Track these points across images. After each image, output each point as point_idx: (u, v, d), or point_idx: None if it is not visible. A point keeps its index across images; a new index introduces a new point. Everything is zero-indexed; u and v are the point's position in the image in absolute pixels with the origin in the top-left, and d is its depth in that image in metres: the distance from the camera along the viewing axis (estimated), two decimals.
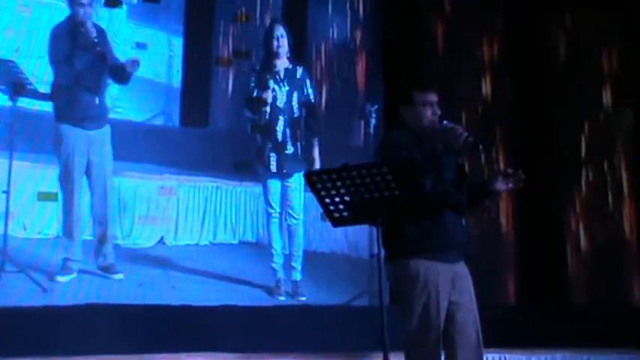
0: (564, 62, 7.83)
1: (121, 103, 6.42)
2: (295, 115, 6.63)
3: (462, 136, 3.84)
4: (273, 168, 6.49)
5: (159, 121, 6.61)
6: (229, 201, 6.67)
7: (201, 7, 6.79)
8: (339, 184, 3.62)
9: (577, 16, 7.91)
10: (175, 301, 6.08)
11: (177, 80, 6.68)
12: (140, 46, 6.50)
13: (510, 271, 7.36)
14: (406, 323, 3.92)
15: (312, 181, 3.65)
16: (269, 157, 6.51)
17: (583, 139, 7.79)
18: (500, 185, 4.02)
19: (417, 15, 7.31)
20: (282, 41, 6.58)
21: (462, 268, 4.03)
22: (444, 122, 3.96)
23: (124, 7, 6.38)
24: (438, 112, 4.03)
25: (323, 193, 3.67)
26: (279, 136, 6.55)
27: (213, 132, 6.78)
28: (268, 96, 6.53)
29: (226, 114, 6.84)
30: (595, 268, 7.62)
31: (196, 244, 6.52)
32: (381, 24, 7.19)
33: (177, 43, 6.70)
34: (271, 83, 6.55)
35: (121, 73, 6.10)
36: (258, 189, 6.65)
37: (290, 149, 6.56)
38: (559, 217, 7.61)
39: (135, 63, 6.04)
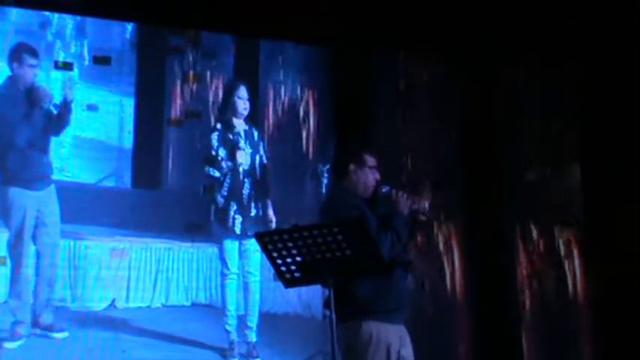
0: (510, 117, 7.97)
1: (70, 164, 6.39)
2: (258, 178, 6.68)
3: (409, 202, 3.99)
4: (238, 230, 6.50)
5: (110, 183, 6.57)
6: (181, 262, 6.61)
7: (153, 68, 6.82)
8: (290, 244, 3.62)
9: (524, 74, 8.08)
10: None
11: (128, 141, 6.66)
12: (91, 107, 6.48)
13: (464, 337, 7.37)
14: None
15: (264, 241, 3.65)
16: (234, 218, 6.51)
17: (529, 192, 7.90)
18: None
19: (368, 73, 7.40)
20: (246, 103, 6.66)
21: (404, 330, 4.06)
22: (384, 188, 4.05)
23: (75, 70, 6.41)
24: (378, 177, 4.10)
25: (274, 253, 3.67)
26: (245, 199, 6.58)
27: (165, 193, 6.75)
28: (238, 156, 6.58)
29: (178, 175, 6.82)
30: (547, 333, 7.66)
31: (148, 307, 6.44)
32: (332, 83, 7.27)
33: (129, 104, 6.70)
34: (239, 143, 6.61)
35: (58, 120, 6.08)
36: (210, 250, 6.62)
37: (254, 211, 6.59)
38: (510, 281, 7.66)
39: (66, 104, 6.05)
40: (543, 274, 7.76)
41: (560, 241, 7.89)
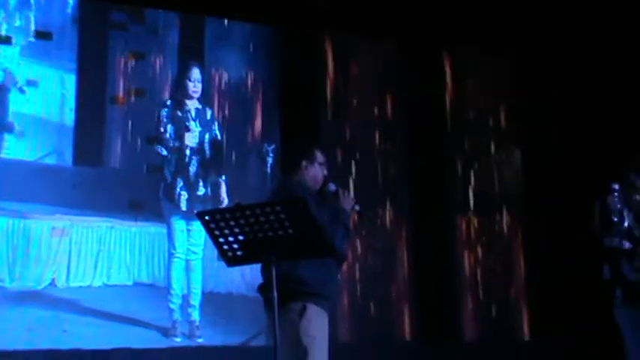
0: (453, 108, 8.05)
1: (9, 141, 6.27)
2: (207, 156, 6.64)
3: (353, 201, 4.09)
4: (184, 207, 6.46)
5: (51, 160, 6.46)
6: (124, 241, 6.54)
7: (95, 45, 6.70)
8: (232, 223, 3.60)
9: (465, 65, 8.16)
10: (66, 345, 5.93)
11: (70, 118, 6.55)
12: (31, 83, 6.37)
13: (405, 309, 7.44)
14: None
15: (206, 220, 3.62)
16: (180, 195, 6.48)
17: (472, 182, 8.00)
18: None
19: (312, 55, 7.40)
20: (198, 86, 6.65)
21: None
22: (331, 185, 4.12)
23: (17, 46, 6.29)
24: (326, 174, 4.21)
25: (217, 232, 3.64)
26: (192, 177, 6.54)
27: (107, 171, 6.67)
28: (185, 134, 6.53)
29: (120, 152, 6.73)
30: (486, 305, 7.78)
31: (89, 286, 6.36)
32: (277, 63, 7.24)
33: (70, 80, 6.58)
34: (187, 122, 6.57)
35: None
36: (153, 229, 6.57)
37: (202, 190, 6.57)
38: (452, 255, 7.76)
39: None
40: (486, 259, 7.89)
41: (503, 225, 8.02)
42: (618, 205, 4.46)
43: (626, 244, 4.43)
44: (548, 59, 7.78)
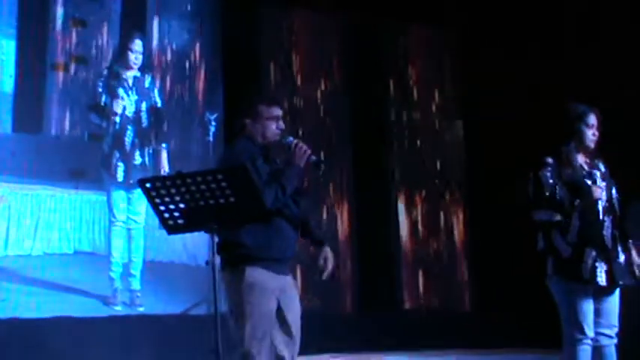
0: (397, 78, 8.11)
1: None
2: (144, 125, 6.61)
3: (307, 154, 3.94)
4: (120, 177, 6.43)
5: None
6: (64, 210, 6.48)
7: (35, 11, 6.59)
8: (173, 191, 3.59)
9: (411, 33, 8.22)
10: (6, 314, 5.87)
11: (9, 85, 6.44)
12: None
13: (348, 281, 7.52)
14: (240, 329, 3.94)
15: (147, 188, 3.61)
16: (116, 166, 6.44)
17: (415, 152, 8.09)
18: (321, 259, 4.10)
19: (257, 24, 7.38)
20: (139, 57, 6.60)
21: (290, 280, 4.09)
22: (289, 138, 4.03)
23: None
24: (283, 127, 4.07)
25: (157, 200, 3.63)
26: (128, 146, 6.50)
27: (47, 138, 6.59)
28: (118, 104, 6.48)
29: (61, 120, 6.65)
30: (427, 276, 7.91)
31: (29, 255, 6.30)
32: (221, 32, 7.20)
33: (10, 47, 6.47)
34: (121, 91, 6.51)
35: None
36: (94, 197, 6.52)
37: (138, 159, 6.54)
38: (393, 228, 7.85)
39: None
40: (427, 228, 8.00)
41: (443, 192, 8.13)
42: (550, 180, 4.54)
43: (557, 217, 4.52)
44: (491, 33, 7.87)
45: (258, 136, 4.05)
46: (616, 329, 4.65)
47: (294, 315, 4.03)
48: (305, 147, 3.97)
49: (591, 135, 4.65)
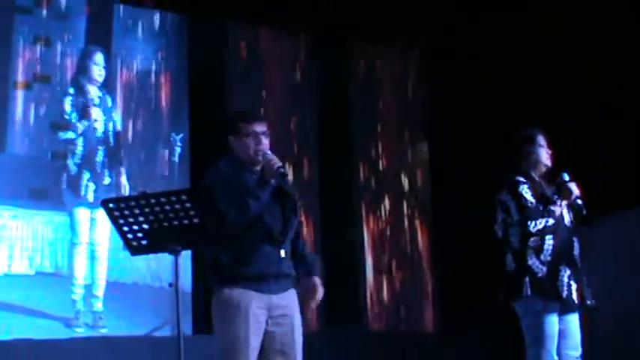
0: (363, 91, 8.16)
1: None
2: (112, 145, 6.59)
3: (275, 166, 3.91)
4: (92, 198, 6.37)
5: None
6: (26, 230, 6.40)
7: None
8: (137, 212, 3.56)
9: (377, 54, 8.27)
10: None
11: None
12: None
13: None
14: (220, 351, 3.91)
15: (110, 208, 3.57)
16: (86, 186, 6.38)
17: (381, 168, 8.11)
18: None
19: (223, 43, 7.37)
20: (102, 71, 6.58)
21: (282, 300, 3.99)
22: (267, 152, 4.01)
23: None
24: (262, 142, 4.01)
25: (121, 221, 3.60)
26: (98, 167, 6.46)
27: (9, 158, 6.50)
28: (86, 123, 6.42)
29: (24, 139, 6.58)
30: (391, 296, 7.91)
31: None
32: (187, 51, 7.19)
33: None
34: (90, 110, 6.46)
35: None
36: (57, 218, 6.44)
37: (107, 180, 6.50)
38: (357, 245, 7.86)
39: None
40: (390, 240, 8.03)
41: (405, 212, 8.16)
42: (531, 193, 4.60)
43: (552, 222, 4.54)
44: (455, 51, 7.93)
45: (241, 154, 4.03)
46: (580, 350, 4.69)
47: (287, 334, 3.97)
48: (275, 159, 3.94)
49: (546, 154, 4.74)
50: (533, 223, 4.54)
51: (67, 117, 6.47)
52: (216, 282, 3.96)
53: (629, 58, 7.01)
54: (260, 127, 4.05)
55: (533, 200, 4.61)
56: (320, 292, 4.07)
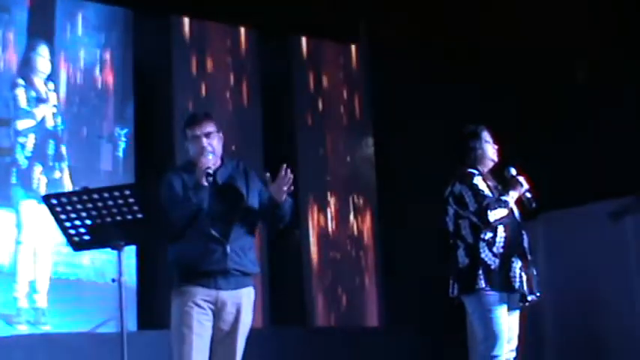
0: (307, 86, 8.18)
1: None
2: (60, 137, 6.53)
3: (203, 167, 4.01)
4: (43, 192, 6.29)
5: None
6: None
7: None
8: (79, 207, 3.53)
9: (324, 49, 8.29)
10: None
11: None
12: None
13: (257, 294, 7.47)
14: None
15: (51, 204, 3.54)
16: (38, 180, 6.31)
17: (326, 164, 8.14)
18: (275, 191, 4.06)
19: (168, 37, 7.33)
20: (47, 64, 6.54)
21: (230, 297, 4.05)
22: (204, 154, 4.09)
23: None
24: (203, 144, 4.08)
25: (63, 216, 3.57)
26: (50, 160, 6.38)
27: None
28: (36, 116, 6.37)
29: None
30: (335, 292, 7.94)
31: None
32: (132, 46, 7.12)
33: None
34: (39, 103, 6.38)
35: None
36: (1, 214, 6.34)
37: (58, 174, 6.42)
38: (302, 241, 7.87)
39: None
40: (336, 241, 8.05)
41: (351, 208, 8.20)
42: (485, 185, 4.66)
43: (505, 213, 4.59)
44: (400, 48, 7.99)
45: (194, 157, 4.10)
46: (516, 343, 4.75)
47: (232, 332, 4.04)
48: (203, 162, 4.02)
49: (492, 149, 4.79)
50: (493, 212, 4.57)
51: (16, 108, 6.36)
52: (173, 279, 4.07)
53: (575, 55, 7.14)
54: (200, 130, 4.13)
55: (487, 191, 4.66)
56: (287, 175, 4.09)
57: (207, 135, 4.11)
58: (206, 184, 3.99)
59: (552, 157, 6.51)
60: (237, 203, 4.09)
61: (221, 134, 4.21)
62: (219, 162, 4.16)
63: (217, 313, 4.02)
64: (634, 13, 6.95)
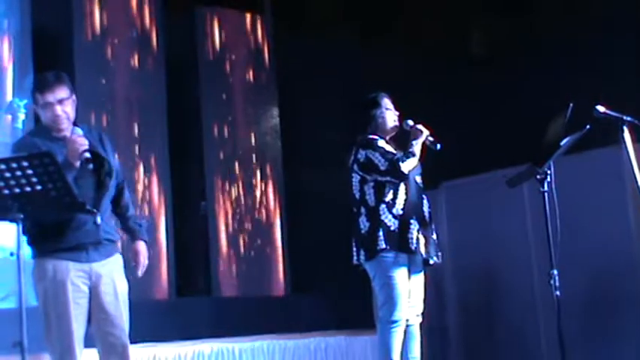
0: (212, 58, 8.13)
1: None
2: None
3: (80, 149, 3.74)
4: None
5: None
6: None
7: None
8: None
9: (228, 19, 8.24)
10: None
11: None
12: None
13: (162, 266, 7.45)
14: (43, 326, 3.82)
15: None
16: None
17: (232, 136, 8.11)
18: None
19: (67, 4, 7.17)
20: None
21: (103, 267, 3.91)
22: (73, 132, 3.83)
23: None
24: (58, 113, 3.81)
25: None
26: None
27: None
28: None
29: None
30: (242, 263, 7.96)
31: None
32: (30, 15, 6.93)
33: None
34: None
35: None
36: None
37: None
38: (208, 213, 7.85)
39: None
40: (242, 212, 8.05)
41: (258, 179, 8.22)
42: (390, 147, 4.75)
43: (415, 161, 4.67)
44: (305, 19, 8.00)
45: (45, 122, 3.84)
46: (422, 308, 4.84)
47: (112, 301, 3.89)
48: (78, 143, 3.74)
49: (393, 115, 4.86)
50: (404, 163, 4.65)
51: None
52: (36, 254, 3.87)
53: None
54: (53, 96, 3.82)
55: (393, 151, 4.74)
56: (143, 257, 4.05)
57: (61, 102, 3.82)
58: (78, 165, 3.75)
59: (454, 127, 6.60)
60: (103, 171, 3.89)
61: (74, 97, 3.89)
62: (71, 127, 3.88)
63: (95, 287, 3.87)
64: None
